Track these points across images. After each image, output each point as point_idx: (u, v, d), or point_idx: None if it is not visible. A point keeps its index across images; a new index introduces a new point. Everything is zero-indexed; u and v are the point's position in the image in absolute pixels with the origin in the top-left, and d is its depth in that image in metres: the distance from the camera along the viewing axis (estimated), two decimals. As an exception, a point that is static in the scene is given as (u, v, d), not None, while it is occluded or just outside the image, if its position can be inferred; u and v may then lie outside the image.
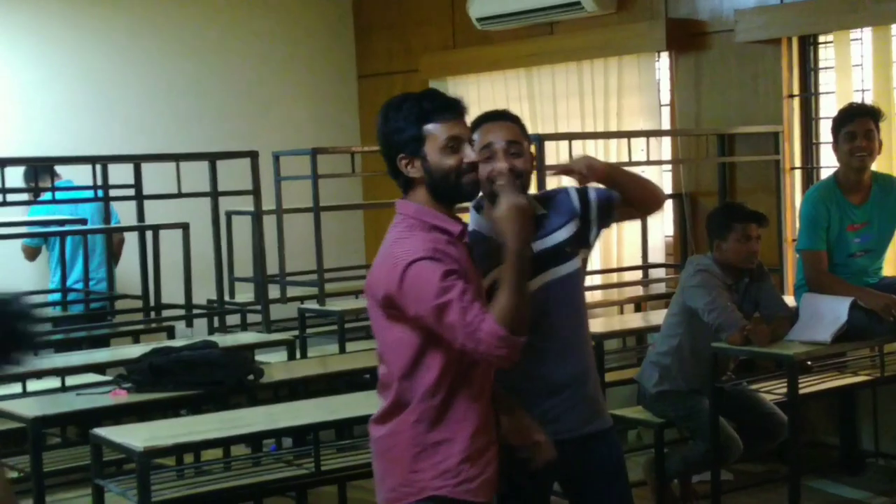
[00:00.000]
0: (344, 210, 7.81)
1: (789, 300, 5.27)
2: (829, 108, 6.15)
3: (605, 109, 6.96)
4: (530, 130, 7.73)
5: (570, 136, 6.30)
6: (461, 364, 2.79)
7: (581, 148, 6.77)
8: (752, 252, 4.89)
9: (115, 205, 6.63)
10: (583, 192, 3.25)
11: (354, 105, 8.64)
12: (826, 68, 6.21)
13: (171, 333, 5.99)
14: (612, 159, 6.77)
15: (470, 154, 2.84)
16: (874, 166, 5.16)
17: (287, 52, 8.40)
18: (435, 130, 2.81)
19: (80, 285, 6.74)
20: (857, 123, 4.93)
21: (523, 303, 2.72)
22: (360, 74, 8.68)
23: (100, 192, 5.92)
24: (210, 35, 8.06)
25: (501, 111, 3.28)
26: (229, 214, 6.57)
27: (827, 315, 4.73)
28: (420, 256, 2.70)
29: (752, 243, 4.89)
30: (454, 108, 2.85)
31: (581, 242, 3.22)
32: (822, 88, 6.26)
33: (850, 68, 5.96)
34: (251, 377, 4.68)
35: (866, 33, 5.92)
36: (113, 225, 6.66)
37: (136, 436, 3.80)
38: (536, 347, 3.00)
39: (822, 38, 6.21)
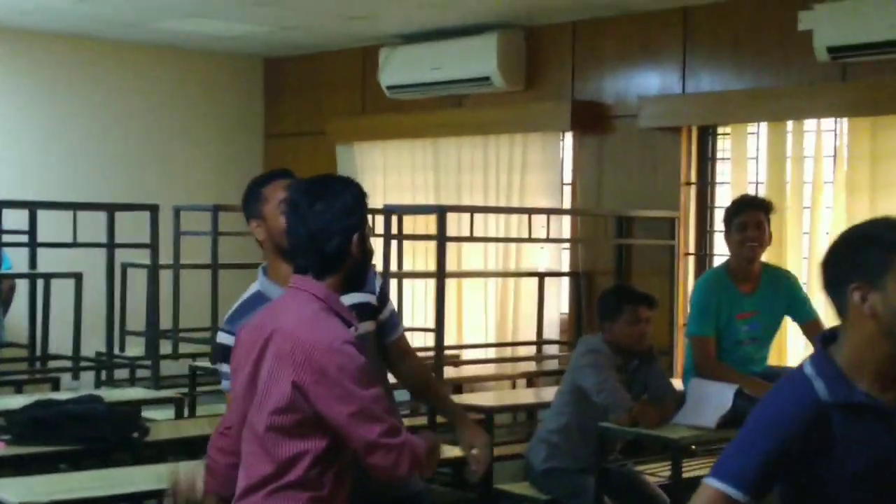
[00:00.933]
0: (243, 269, 7.74)
1: (678, 384, 5.35)
2: (724, 197, 6.32)
3: (508, 184, 7.06)
4: (433, 200, 7.82)
5: (473, 209, 6.37)
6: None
7: (483, 221, 6.85)
8: (642, 334, 4.96)
9: (7, 250, 6.49)
10: (383, 295, 3.33)
11: (259, 164, 8.62)
12: (723, 158, 6.40)
13: (56, 385, 5.86)
14: (513, 234, 6.85)
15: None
16: (764, 257, 5.30)
17: (195, 108, 8.37)
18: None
19: None
20: (749, 214, 5.05)
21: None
22: (268, 134, 8.68)
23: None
24: (116, 85, 8.00)
25: (284, 170, 3.28)
26: (125, 266, 6.48)
27: (713, 400, 4.81)
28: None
29: (643, 325, 4.96)
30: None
31: (370, 316, 3.27)
32: (718, 178, 6.44)
33: (745, 160, 6.15)
34: (136, 434, 4.59)
35: (762, 127, 6.12)
36: (3, 270, 6.51)
37: (11, 490, 3.69)
38: None
39: (720, 130, 6.40)
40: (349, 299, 3.03)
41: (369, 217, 2.90)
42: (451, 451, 3.93)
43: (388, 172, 7.71)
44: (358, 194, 2.82)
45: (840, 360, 2.21)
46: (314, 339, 2.66)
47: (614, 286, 5.43)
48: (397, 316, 3.43)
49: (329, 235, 2.75)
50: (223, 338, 3.14)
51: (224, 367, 3.08)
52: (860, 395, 2.19)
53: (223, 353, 3.09)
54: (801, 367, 2.26)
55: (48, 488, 3.80)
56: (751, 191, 6.02)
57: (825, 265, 2.27)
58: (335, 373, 2.64)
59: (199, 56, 8.38)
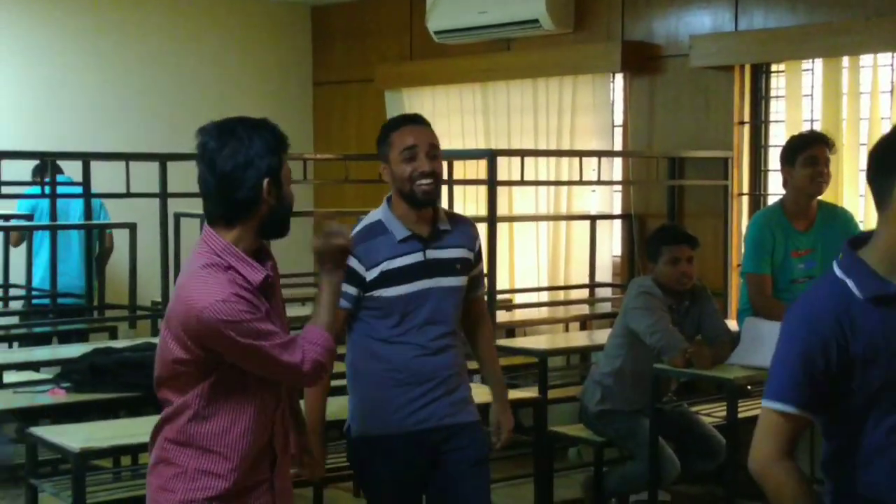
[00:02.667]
0: (294, 217, 7.78)
1: (732, 324, 5.32)
2: (778, 136, 6.23)
3: (558, 127, 7.00)
4: (483, 145, 7.80)
5: (523, 153, 6.33)
6: None
7: (533, 165, 6.81)
8: (683, 273, 4.92)
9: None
10: (479, 253, 3.57)
11: (309, 112, 8.63)
12: (777, 97, 6.30)
13: (113, 334, 5.94)
14: (564, 177, 6.81)
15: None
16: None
17: (244, 57, 8.37)
18: (287, 165, 2.81)
19: (65, 281, 6.60)
20: (818, 149, 4.98)
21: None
22: (316, 82, 8.67)
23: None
24: (167, 37, 8.02)
25: (417, 116, 3.55)
26: (178, 216, 6.52)
27: (768, 339, 4.75)
28: None
29: (682, 265, 4.92)
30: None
31: (466, 270, 3.49)
32: (772, 116, 6.34)
33: (800, 98, 6.04)
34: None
35: (817, 64, 6.01)
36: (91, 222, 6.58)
37: (72, 436, 3.76)
38: (411, 343, 3.37)
39: (774, 67, 6.29)
40: (451, 252, 3.40)
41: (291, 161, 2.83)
42: (512, 394, 3.98)
43: (437, 118, 7.66)
44: (271, 137, 2.72)
45: (871, 260, 2.18)
46: (191, 299, 2.61)
47: (658, 227, 5.39)
48: (480, 278, 3.62)
49: (237, 181, 2.66)
50: None
51: (346, 288, 3.29)
52: (895, 287, 2.15)
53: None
54: (829, 270, 2.23)
55: (108, 434, 3.88)
56: (806, 129, 5.92)
57: (874, 153, 2.23)
58: (215, 333, 2.59)
59: (248, 5, 8.38)
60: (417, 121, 3.50)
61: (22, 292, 6.72)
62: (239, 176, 2.66)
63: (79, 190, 6.18)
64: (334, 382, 3.76)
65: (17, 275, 6.81)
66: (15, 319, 6.47)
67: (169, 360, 2.69)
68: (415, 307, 3.38)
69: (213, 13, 8.24)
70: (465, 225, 3.56)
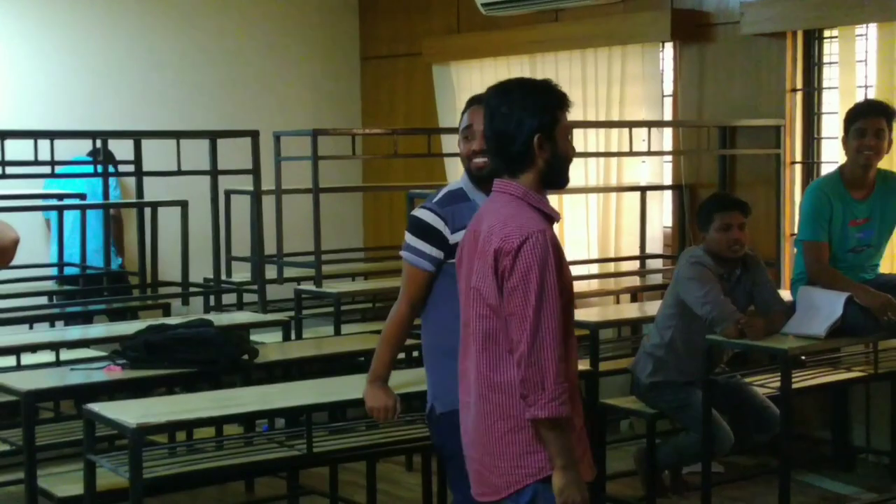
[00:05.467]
0: (343, 192, 7.82)
1: (785, 294, 5.27)
2: (831, 103, 6.14)
3: (607, 98, 6.95)
4: (532, 117, 7.65)
5: (572, 125, 6.27)
6: None
7: (582, 136, 6.77)
8: (734, 240, 4.87)
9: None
10: None
11: (357, 87, 8.63)
12: (830, 63, 6.20)
13: (167, 311, 6.00)
14: (614, 149, 6.76)
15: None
16: (881, 164, 5.13)
17: (291, 33, 8.38)
18: (564, 121, 2.98)
19: (95, 259, 6.68)
20: (868, 121, 4.89)
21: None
22: (364, 56, 8.66)
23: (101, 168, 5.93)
24: (215, 14, 8.04)
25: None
26: (228, 193, 6.57)
27: (823, 309, 4.73)
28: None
29: (734, 232, 4.87)
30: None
31: None
32: (825, 83, 6.25)
33: (854, 64, 5.95)
34: (246, 357, 4.68)
35: (871, 29, 5.90)
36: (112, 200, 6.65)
37: (129, 412, 3.80)
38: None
39: (826, 33, 6.20)
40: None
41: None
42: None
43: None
44: (543, 96, 2.93)
45: None
46: (509, 231, 2.86)
47: (709, 196, 5.34)
48: None
49: (511, 136, 2.92)
50: (425, 215, 3.47)
51: (420, 244, 3.44)
52: None
53: (421, 229, 3.45)
54: None
55: (164, 409, 3.91)
56: (860, 95, 5.83)
57: None
58: (521, 265, 2.82)
59: (295, -20, 8.40)
60: (482, 101, 3.52)
61: (72, 271, 6.77)
62: (511, 132, 2.92)
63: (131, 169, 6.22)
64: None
65: (39, 256, 6.88)
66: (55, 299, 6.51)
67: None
68: None
69: (261, -10, 8.26)
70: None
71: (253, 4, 8.22)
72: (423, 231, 3.45)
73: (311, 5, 8.49)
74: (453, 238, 3.41)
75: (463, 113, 3.56)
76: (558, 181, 3.00)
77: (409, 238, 3.48)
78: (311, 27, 8.48)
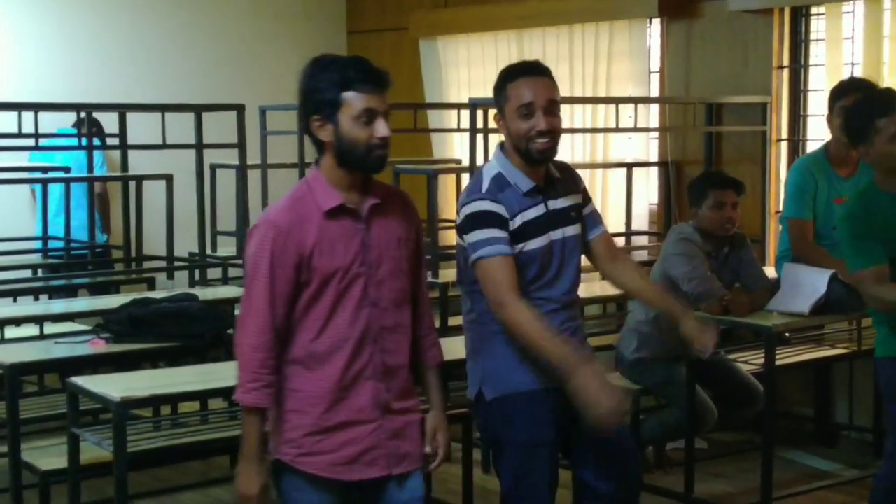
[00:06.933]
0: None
1: (770, 271, 5.28)
2: (818, 80, 6.14)
3: (594, 74, 6.93)
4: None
5: (564, 101, 6.26)
6: None
7: (569, 112, 6.76)
8: (727, 219, 4.88)
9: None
10: (585, 192, 3.47)
11: (343, 61, 8.58)
12: (817, 40, 6.20)
13: (151, 285, 5.98)
14: (600, 125, 6.76)
15: (382, 130, 2.81)
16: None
17: (277, 7, 8.34)
18: (352, 99, 2.78)
19: (80, 234, 6.65)
20: (853, 99, 4.90)
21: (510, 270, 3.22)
22: (350, 31, 8.62)
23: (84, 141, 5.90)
24: (200, -15, 8.00)
25: (536, 64, 3.32)
26: (214, 167, 6.54)
27: (807, 286, 4.74)
28: None
29: (727, 210, 4.88)
30: (378, 81, 2.81)
31: (579, 216, 3.41)
32: (812, 60, 6.25)
33: (840, 41, 5.94)
34: (230, 331, 4.67)
35: (858, 6, 5.90)
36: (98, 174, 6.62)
37: (113, 386, 3.79)
38: (544, 298, 3.27)
39: (813, 10, 6.19)
40: (565, 201, 3.33)
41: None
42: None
43: (472, 66, 7.62)
44: (339, 79, 2.76)
45: None
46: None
47: (703, 172, 5.34)
48: (597, 215, 3.50)
49: (302, 113, 2.84)
50: (485, 205, 3.20)
51: (493, 232, 3.17)
52: None
53: (487, 218, 3.18)
54: None
55: (148, 383, 3.90)
56: (846, 72, 5.83)
57: None
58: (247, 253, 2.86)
59: (281, -46, 8.35)
60: (535, 71, 3.27)
61: (56, 244, 6.74)
62: (301, 110, 2.86)
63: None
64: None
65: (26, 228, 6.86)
66: (40, 272, 6.49)
67: None
68: (548, 260, 3.28)
69: (247, -37, 8.20)
70: (569, 170, 3.45)
71: (239, -23, 8.18)
72: (490, 219, 3.18)
73: (298, -21, 8.45)
74: (512, 224, 3.22)
75: (507, 84, 3.23)
76: (358, 167, 2.83)
77: (477, 234, 3.18)
78: (297, 1, 8.43)
